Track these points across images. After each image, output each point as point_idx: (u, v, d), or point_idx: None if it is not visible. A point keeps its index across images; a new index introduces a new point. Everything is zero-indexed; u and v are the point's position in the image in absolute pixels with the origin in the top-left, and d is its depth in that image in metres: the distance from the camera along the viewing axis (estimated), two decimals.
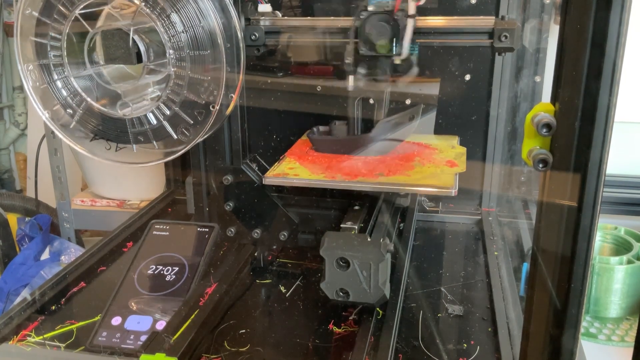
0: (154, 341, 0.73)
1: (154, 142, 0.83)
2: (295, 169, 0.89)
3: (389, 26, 0.81)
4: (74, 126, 0.84)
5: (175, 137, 0.81)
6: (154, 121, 0.81)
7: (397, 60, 0.85)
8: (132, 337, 0.77)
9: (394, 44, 0.81)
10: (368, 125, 0.96)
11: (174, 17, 0.75)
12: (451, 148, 0.99)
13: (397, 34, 0.81)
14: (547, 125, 0.46)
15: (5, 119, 2.28)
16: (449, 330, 0.81)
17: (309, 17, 0.91)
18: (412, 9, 0.80)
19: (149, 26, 0.77)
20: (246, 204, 0.95)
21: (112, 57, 0.77)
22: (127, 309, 0.82)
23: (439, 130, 1.14)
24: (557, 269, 0.49)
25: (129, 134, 0.83)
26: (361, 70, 0.88)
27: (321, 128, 1.02)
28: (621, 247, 1.10)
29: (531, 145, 0.48)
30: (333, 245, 0.75)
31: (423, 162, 0.91)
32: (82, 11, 0.77)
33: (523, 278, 0.88)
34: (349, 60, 0.85)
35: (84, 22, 0.77)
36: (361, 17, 0.82)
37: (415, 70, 0.90)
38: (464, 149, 0.98)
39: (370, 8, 0.82)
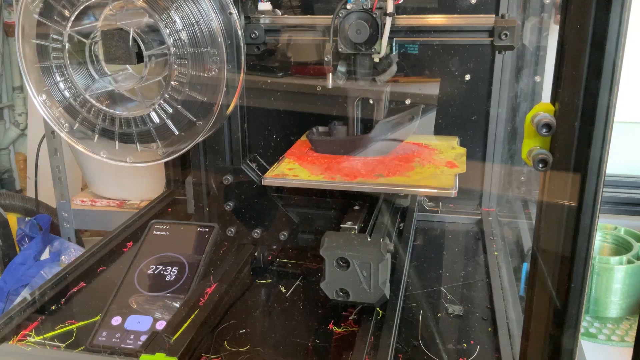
0: (154, 341, 0.73)
1: (158, 141, 0.83)
2: (294, 170, 0.89)
3: (367, 24, 0.81)
4: (77, 127, 0.84)
5: (176, 132, 0.80)
6: (156, 120, 0.81)
7: (376, 58, 0.85)
8: (132, 337, 0.77)
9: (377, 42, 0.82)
10: (367, 125, 0.96)
11: (175, 16, 0.75)
12: (451, 149, 0.99)
13: (375, 32, 0.82)
14: (547, 125, 0.46)
15: (5, 119, 2.28)
16: (449, 330, 0.81)
17: (308, 16, 0.91)
18: (390, 7, 0.81)
19: (150, 26, 0.78)
20: (246, 204, 0.95)
21: (112, 57, 0.77)
22: (127, 308, 0.82)
23: (439, 129, 1.14)
24: (557, 269, 0.49)
25: (128, 133, 0.83)
26: (341, 69, 0.88)
27: (320, 128, 1.02)
28: (621, 247, 1.10)
29: (531, 145, 0.48)
30: (333, 245, 0.75)
31: (423, 163, 0.91)
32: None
33: (523, 278, 0.88)
34: (327, 58, 0.85)
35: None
36: (340, 15, 0.82)
37: (394, 68, 0.90)
38: (464, 150, 0.97)
39: (348, 6, 0.82)
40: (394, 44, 0.87)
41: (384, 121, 0.93)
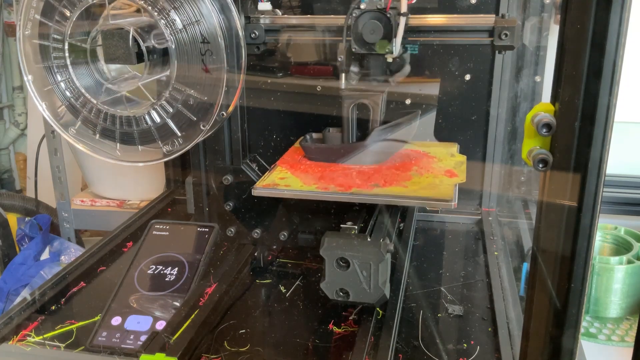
0: (154, 341, 0.73)
1: (159, 141, 0.83)
2: (286, 179, 0.86)
3: (381, 24, 0.81)
4: (76, 124, 0.84)
5: (179, 134, 0.80)
6: (157, 119, 0.81)
7: (389, 59, 0.84)
8: (132, 337, 0.77)
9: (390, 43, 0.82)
10: (363, 132, 0.93)
11: (175, 16, 0.75)
12: (450, 156, 0.96)
13: (389, 32, 0.81)
14: (547, 125, 0.46)
15: (5, 119, 2.28)
16: (449, 330, 0.81)
17: (308, 15, 0.91)
18: (404, 7, 0.80)
19: (150, 26, 0.78)
20: (246, 204, 0.95)
21: (112, 57, 0.77)
22: (127, 308, 0.82)
23: (439, 129, 1.14)
24: (557, 269, 0.49)
25: (126, 133, 0.83)
26: (354, 69, 0.87)
27: (314, 135, 0.99)
28: (621, 247, 1.10)
29: (531, 145, 0.48)
30: (333, 245, 0.75)
31: (421, 172, 0.87)
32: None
33: (523, 278, 0.88)
34: (341, 58, 0.84)
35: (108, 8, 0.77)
36: (354, 15, 0.82)
37: (407, 68, 0.89)
38: (463, 158, 0.94)
39: (362, 6, 0.82)
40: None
41: (379, 128, 0.91)
